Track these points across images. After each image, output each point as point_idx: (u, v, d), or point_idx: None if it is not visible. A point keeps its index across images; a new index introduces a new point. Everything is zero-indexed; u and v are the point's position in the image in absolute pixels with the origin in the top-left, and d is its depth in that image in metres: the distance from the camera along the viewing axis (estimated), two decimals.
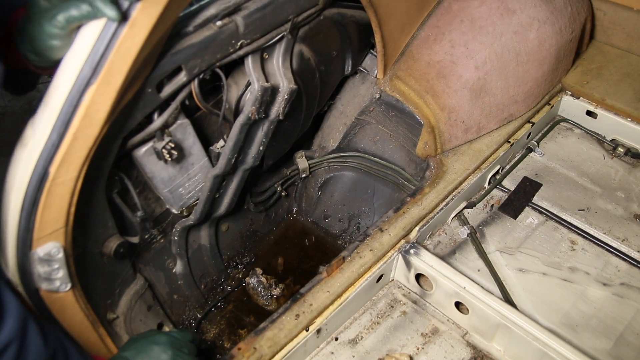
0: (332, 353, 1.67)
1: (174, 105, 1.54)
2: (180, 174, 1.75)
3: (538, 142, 2.32)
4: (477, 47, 2.08)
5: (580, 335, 1.70)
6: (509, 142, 2.20)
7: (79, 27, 1.12)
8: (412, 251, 1.80)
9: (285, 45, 1.72)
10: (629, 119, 2.27)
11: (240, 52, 1.58)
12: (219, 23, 1.48)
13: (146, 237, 1.84)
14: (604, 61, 2.50)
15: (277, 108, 1.80)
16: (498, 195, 2.14)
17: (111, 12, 1.05)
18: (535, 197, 2.11)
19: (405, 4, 2.05)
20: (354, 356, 1.67)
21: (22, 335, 1.03)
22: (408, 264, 1.80)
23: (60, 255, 1.29)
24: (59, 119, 1.14)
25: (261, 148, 1.89)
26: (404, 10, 2.07)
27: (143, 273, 1.86)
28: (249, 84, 1.72)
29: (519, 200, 2.10)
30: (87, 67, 1.12)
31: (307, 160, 2.36)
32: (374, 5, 1.88)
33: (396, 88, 2.16)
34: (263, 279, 2.21)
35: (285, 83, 1.76)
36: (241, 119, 1.72)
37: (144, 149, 1.58)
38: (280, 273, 2.33)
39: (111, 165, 1.45)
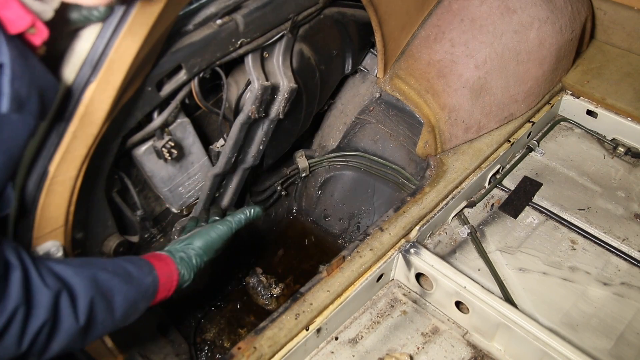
0: (332, 352, 1.67)
1: (174, 103, 1.54)
2: (180, 173, 1.75)
3: (538, 141, 2.31)
4: (477, 46, 2.07)
5: (580, 335, 1.70)
6: (509, 141, 2.20)
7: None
8: (412, 250, 1.80)
9: (285, 44, 1.72)
10: (629, 119, 2.27)
11: (240, 51, 1.57)
12: (219, 21, 1.48)
13: (146, 236, 1.83)
14: (604, 60, 2.50)
15: (277, 107, 1.79)
16: (498, 195, 2.13)
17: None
18: (535, 196, 2.11)
19: (405, 3, 2.05)
20: (354, 355, 1.66)
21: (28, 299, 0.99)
22: (408, 264, 1.80)
23: (60, 254, 1.29)
24: (59, 117, 1.13)
25: (261, 147, 1.88)
26: (405, 10, 2.06)
27: None
28: (249, 83, 1.72)
29: (519, 199, 2.10)
30: (86, 65, 1.12)
31: (307, 160, 2.36)
32: (374, 4, 1.88)
33: (396, 87, 2.15)
34: (263, 279, 2.21)
35: (285, 82, 1.76)
36: (241, 117, 1.72)
37: (143, 147, 1.57)
38: (279, 267, 2.33)
39: (111, 164, 1.45)
